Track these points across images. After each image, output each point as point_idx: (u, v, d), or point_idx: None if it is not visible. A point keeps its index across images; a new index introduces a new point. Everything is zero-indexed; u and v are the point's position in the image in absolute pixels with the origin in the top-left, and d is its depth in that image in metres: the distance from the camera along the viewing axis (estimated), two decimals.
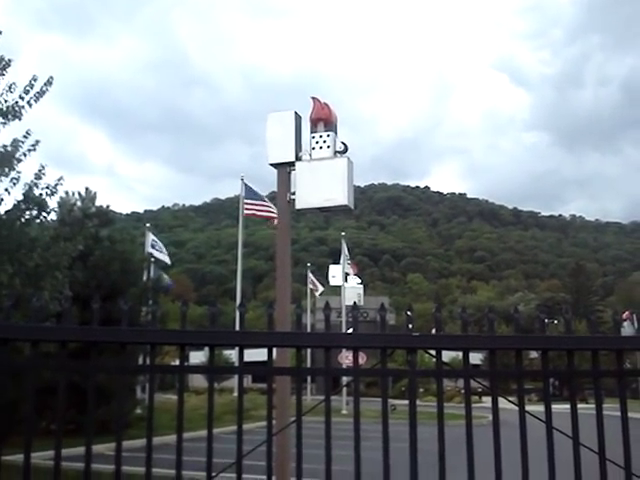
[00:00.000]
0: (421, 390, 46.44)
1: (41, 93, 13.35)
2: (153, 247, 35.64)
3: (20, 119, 13.20)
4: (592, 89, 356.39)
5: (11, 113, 13.08)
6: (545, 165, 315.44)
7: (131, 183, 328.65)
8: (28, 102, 13.19)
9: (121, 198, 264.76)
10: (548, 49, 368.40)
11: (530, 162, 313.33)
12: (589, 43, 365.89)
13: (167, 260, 37.84)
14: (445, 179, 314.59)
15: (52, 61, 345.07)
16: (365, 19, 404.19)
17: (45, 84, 13.40)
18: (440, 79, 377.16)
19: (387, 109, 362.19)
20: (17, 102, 13.09)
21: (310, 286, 56.02)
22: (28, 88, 13.16)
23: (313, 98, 11.11)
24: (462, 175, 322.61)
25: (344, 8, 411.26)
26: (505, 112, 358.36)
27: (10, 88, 13.14)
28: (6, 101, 13.06)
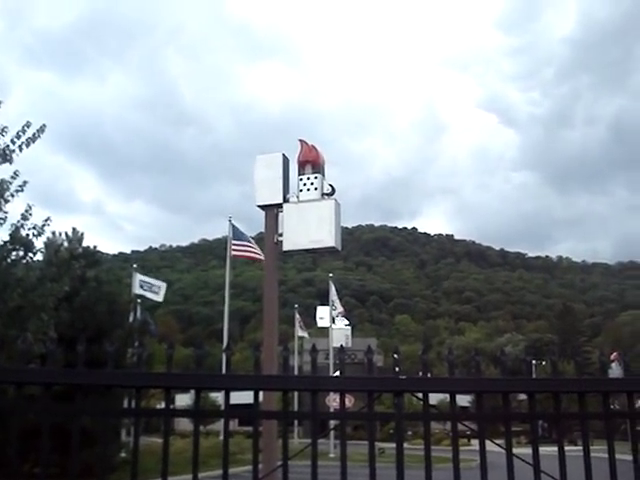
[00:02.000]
0: (409, 433, 46.10)
1: (33, 139, 13.42)
2: (142, 287, 35.49)
3: (11, 163, 13.24)
4: (581, 129, 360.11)
5: (1, 156, 13.12)
6: (534, 205, 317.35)
7: (119, 222, 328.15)
8: (19, 147, 13.25)
9: (109, 237, 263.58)
10: (538, 89, 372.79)
11: (519, 202, 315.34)
12: (579, 83, 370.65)
13: (160, 298, 37.63)
14: (435, 219, 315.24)
15: (42, 98, 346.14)
16: (356, 59, 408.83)
17: (38, 131, 13.48)
18: (430, 119, 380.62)
19: (377, 149, 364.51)
20: (8, 146, 13.14)
21: (297, 328, 55.81)
22: (20, 133, 13.23)
23: (301, 140, 11.19)
24: (452, 214, 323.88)
25: (335, 47, 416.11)
26: (494, 151, 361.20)
27: (2, 131, 13.20)
28: None
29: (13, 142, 13.20)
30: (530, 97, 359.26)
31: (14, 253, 13.31)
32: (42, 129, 13.56)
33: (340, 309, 48.55)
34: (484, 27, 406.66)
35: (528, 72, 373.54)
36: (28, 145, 13.37)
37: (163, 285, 37.96)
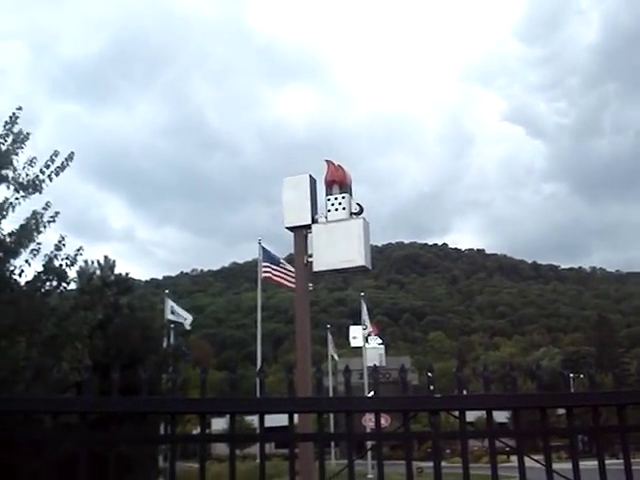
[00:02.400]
0: (447, 451, 45.66)
1: (62, 167, 13.57)
2: (173, 313, 35.65)
3: (41, 192, 13.39)
4: (610, 137, 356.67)
5: (32, 187, 13.28)
6: (565, 215, 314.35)
7: (150, 247, 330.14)
8: (49, 176, 13.41)
9: (140, 263, 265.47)
10: (564, 99, 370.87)
11: (550, 213, 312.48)
12: (605, 91, 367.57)
13: (187, 326, 37.81)
14: (466, 234, 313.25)
15: (70, 128, 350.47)
16: (379, 75, 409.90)
17: (66, 159, 13.63)
18: (457, 133, 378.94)
19: (405, 165, 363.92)
20: (37, 176, 13.30)
21: (330, 348, 55.69)
22: (49, 162, 13.39)
23: (327, 161, 11.23)
24: (482, 229, 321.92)
25: (359, 65, 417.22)
26: (523, 163, 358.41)
27: (31, 162, 13.38)
28: (27, 175, 13.27)
29: (42, 172, 13.35)
30: (556, 107, 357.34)
31: (48, 283, 13.44)
32: (71, 157, 13.71)
33: (370, 328, 48.36)
34: (506, 38, 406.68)
35: (553, 82, 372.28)
36: (57, 174, 13.51)
37: (189, 317, 38.02)
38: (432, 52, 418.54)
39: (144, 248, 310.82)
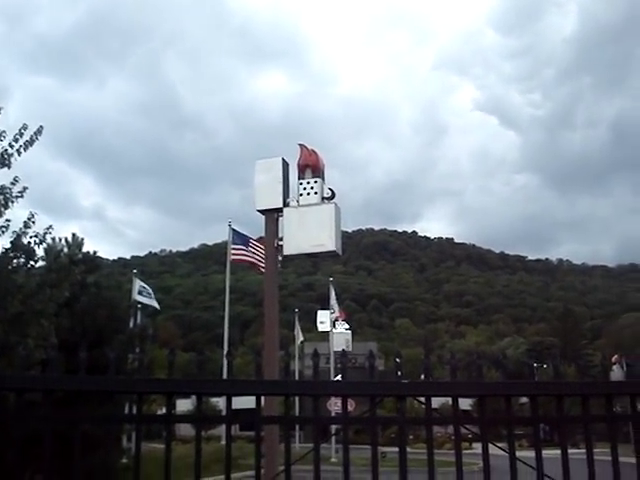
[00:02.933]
0: (411, 437, 45.98)
1: (31, 142, 13.38)
2: (140, 293, 35.45)
3: (9, 167, 13.21)
4: (582, 130, 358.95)
5: (0, 161, 13.10)
6: (536, 207, 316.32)
7: (119, 227, 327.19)
8: (17, 150, 13.22)
9: (109, 242, 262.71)
10: (539, 91, 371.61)
11: (521, 204, 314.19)
12: (580, 84, 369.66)
13: (156, 306, 37.65)
14: (436, 222, 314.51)
15: (42, 102, 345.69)
16: (356, 62, 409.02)
17: (35, 133, 13.44)
18: (431, 121, 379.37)
19: (378, 152, 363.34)
20: (6, 150, 13.11)
21: (298, 332, 55.81)
22: (18, 136, 13.20)
23: (300, 145, 11.20)
24: (453, 217, 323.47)
25: (335, 51, 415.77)
26: (495, 154, 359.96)
27: (0, 136, 13.18)
28: None
29: (11, 146, 13.17)
30: (531, 98, 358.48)
31: (15, 260, 13.29)
32: (40, 131, 13.52)
33: (338, 313, 48.51)
34: (483, 28, 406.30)
35: (528, 73, 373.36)
36: (26, 148, 13.33)
37: (156, 304, 37.75)
38: (408, 39, 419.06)
39: (113, 227, 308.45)
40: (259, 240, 30.77)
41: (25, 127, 13.34)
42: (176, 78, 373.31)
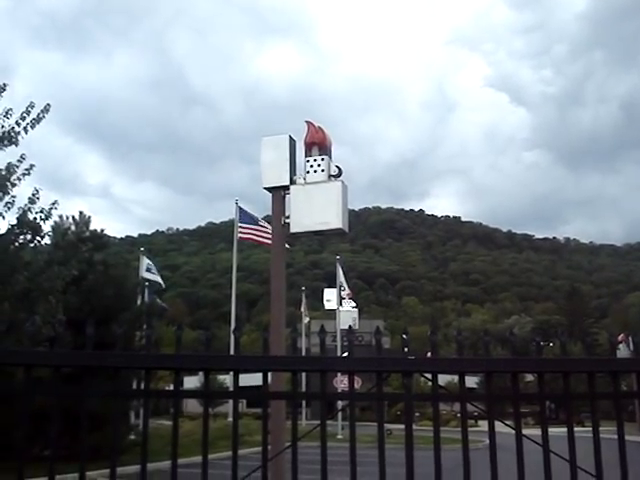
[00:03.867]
0: (417, 414, 46.23)
1: (38, 120, 13.39)
2: (149, 270, 35.58)
3: (17, 145, 13.22)
4: (593, 107, 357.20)
5: (7, 139, 13.10)
6: (545, 184, 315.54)
7: (127, 204, 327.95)
8: (24, 128, 13.22)
9: (116, 220, 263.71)
10: (550, 67, 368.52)
11: (530, 182, 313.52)
12: (592, 60, 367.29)
13: (161, 282, 37.84)
14: (444, 200, 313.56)
15: (49, 79, 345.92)
16: (365, 37, 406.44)
17: (42, 111, 13.43)
18: (440, 98, 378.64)
19: (387, 129, 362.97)
20: (13, 128, 13.11)
21: (304, 310, 55.97)
22: (25, 114, 13.19)
23: (307, 122, 11.15)
24: (461, 195, 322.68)
25: (344, 26, 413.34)
26: (505, 131, 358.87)
27: (7, 114, 13.17)
28: (2, 127, 13.08)
29: (18, 124, 13.16)
30: (542, 75, 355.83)
31: (22, 237, 13.33)
32: (47, 109, 13.52)
33: (348, 291, 48.54)
34: (496, 3, 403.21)
35: (540, 50, 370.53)
36: (33, 126, 13.34)
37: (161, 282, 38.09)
38: (419, 15, 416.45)
39: (120, 204, 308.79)
40: (265, 219, 30.82)
41: (32, 105, 13.34)
42: (183, 54, 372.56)
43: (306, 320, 56.99)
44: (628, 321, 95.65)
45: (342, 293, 47.34)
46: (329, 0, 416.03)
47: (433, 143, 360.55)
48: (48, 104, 13.58)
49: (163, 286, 39.18)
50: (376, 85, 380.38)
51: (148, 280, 34.04)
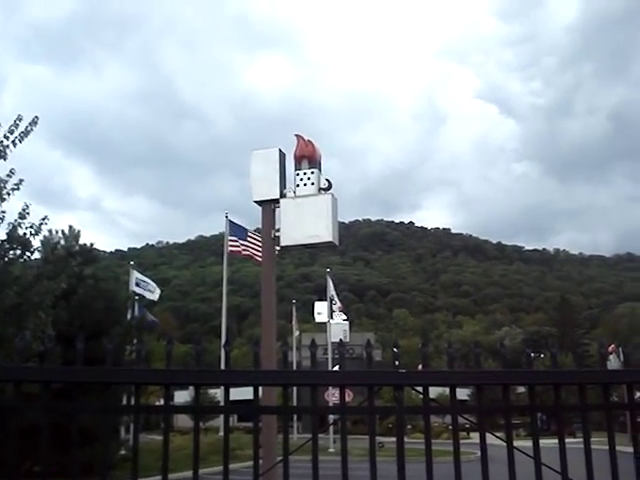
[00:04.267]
0: (409, 427, 46.18)
1: (26, 133, 13.35)
2: (138, 285, 35.48)
3: (5, 159, 13.19)
4: (582, 119, 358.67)
5: None
6: (535, 196, 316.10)
7: (116, 217, 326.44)
8: (13, 142, 13.19)
9: (106, 233, 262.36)
10: (539, 79, 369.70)
11: (520, 193, 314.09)
12: (580, 71, 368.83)
13: (155, 297, 37.76)
14: (435, 212, 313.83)
15: (37, 92, 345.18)
16: (354, 50, 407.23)
17: (30, 124, 13.41)
18: (430, 110, 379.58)
19: (377, 141, 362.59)
20: (2, 142, 13.08)
21: (295, 323, 55.89)
22: (13, 128, 13.16)
23: (297, 135, 11.19)
24: (452, 207, 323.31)
25: (334, 39, 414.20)
26: (495, 143, 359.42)
27: None
28: None
29: (6, 137, 13.13)
30: (531, 87, 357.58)
31: (11, 252, 13.28)
32: (35, 121, 13.49)
33: (339, 304, 48.49)
34: (483, 16, 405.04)
35: (529, 61, 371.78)
36: (22, 140, 13.31)
37: (157, 290, 38.03)
38: (408, 27, 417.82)
39: (110, 218, 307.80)
40: (256, 231, 30.79)
41: (20, 118, 13.30)
42: (173, 66, 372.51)
43: (297, 333, 56.91)
44: (619, 331, 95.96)
45: (333, 306, 47.28)
46: (319, 13, 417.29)
47: (423, 155, 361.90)
48: (36, 117, 13.56)
49: (156, 299, 39.08)
50: (366, 97, 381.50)
51: (139, 294, 33.96)
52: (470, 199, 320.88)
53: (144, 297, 36.08)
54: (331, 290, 46.45)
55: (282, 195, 10.87)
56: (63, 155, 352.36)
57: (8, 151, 13.19)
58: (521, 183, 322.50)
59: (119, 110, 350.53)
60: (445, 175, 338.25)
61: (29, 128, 13.39)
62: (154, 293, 37.51)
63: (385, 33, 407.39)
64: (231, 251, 33.75)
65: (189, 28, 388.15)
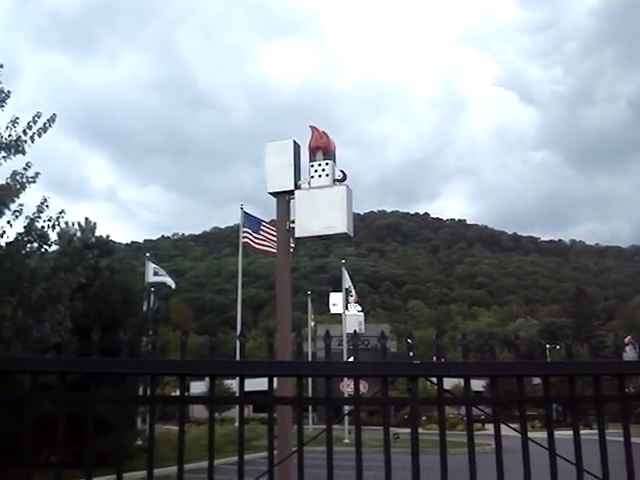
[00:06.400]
0: (423, 418, 46.15)
1: (44, 129, 13.46)
2: (156, 274, 35.67)
3: (24, 154, 13.29)
4: (602, 106, 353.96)
5: (14, 147, 13.17)
6: (554, 185, 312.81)
7: (133, 208, 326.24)
8: (31, 137, 13.30)
9: (122, 224, 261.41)
10: (560, 66, 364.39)
11: (539, 182, 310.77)
12: (602, 58, 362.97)
13: (172, 284, 38.02)
14: (453, 201, 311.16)
15: (54, 81, 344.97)
16: (373, 37, 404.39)
17: (48, 120, 13.51)
18: (449, 98, 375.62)
19: (395, 129, 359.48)
20: (20, 137, 13.18)
21: (310, 314, 55.98)
22: (31, 123, 13.26)
23: (311, 127, 11.17)
24: (470, 197, 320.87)
25: (352, 26, 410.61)
26: (514, 131, 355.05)
27: (14, 123, 13.24)
28: (10, 135, 13.15)
29: (25, 133, 13.23)
30: (552, 74, 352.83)
31: (29, 245, 13.38)
32: (52, 119, 13.60)
33: (355, 295, 48.45)
34: (502, 2, 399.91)
35: (550, 48, 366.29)
36: (40, 135, 13.42)
37: (172, 283, 38.28)
38: (427, 14, 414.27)
39: (126, 208, 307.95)
40: (271, 223, 30.80)
41: (39, 115, 13.42)
42: (190, 54, 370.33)
43: (312, 324, 56.99)
44: (635, 323, 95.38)
45: (349, 297, 47.24)
46: (337, 0, 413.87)
47: (442, 143, 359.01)
48: (54, 114, 13.66)
49: (173, 287, 39.32)
50: (384, 85, 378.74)
51: (155, 284, 34.18)
52: (488, 188, 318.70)
53: (165, 284, 36.34)
54: (347, 281, 46.42)
55: (297, 187, 10.87)
56: (79, 145, 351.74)
57: (26, 146, 13.29)
58: (539, 172, 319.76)
59: (135, 99, 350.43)
60: (463, 163, 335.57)
61: (47, 125, 13.50)
62: (170, 284, 37.80)
63: (403, 20, 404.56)
64: (246, 243, 33.79)
65: (206, 15, 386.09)
